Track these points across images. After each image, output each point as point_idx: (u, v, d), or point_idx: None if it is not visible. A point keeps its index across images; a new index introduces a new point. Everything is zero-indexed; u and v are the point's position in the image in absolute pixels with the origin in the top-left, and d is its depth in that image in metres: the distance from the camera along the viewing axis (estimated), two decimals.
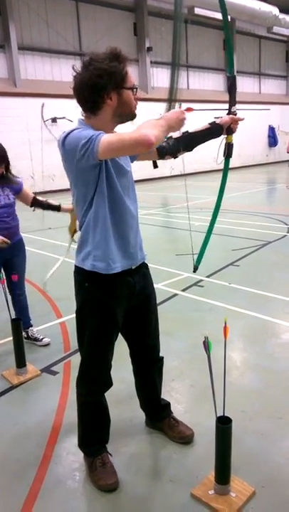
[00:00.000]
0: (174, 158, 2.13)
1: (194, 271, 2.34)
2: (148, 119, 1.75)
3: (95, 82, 1.79)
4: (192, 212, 9.16)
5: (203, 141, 2.11)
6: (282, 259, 5.65)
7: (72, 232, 3.42)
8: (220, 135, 2.11)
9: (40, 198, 3.47)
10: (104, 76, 1.78)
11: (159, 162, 2.20)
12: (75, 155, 1.74)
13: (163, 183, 16.82)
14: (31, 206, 3.47)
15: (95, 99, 1.82)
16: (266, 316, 3.91)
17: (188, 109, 1.85)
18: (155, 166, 2.23)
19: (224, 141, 2.12)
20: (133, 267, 2.04)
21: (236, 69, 21.03)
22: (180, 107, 1.85)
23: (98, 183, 1.85)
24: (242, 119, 2.10)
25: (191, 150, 2.14)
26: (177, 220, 9.04)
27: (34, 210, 3.50)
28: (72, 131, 1.79)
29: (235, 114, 2.08)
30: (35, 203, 3.44)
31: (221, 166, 2.26)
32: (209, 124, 2.08)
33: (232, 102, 2.07)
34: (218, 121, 2.09)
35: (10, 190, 3.31)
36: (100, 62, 1.79)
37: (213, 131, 2.09)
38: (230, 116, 2.09)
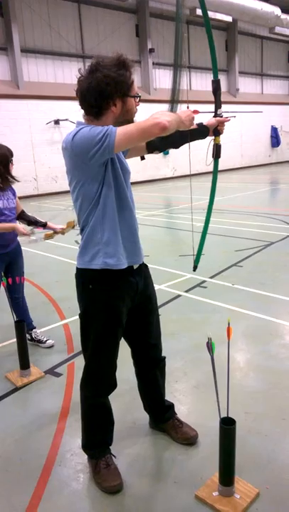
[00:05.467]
0: (161, 152, 2.25)
1: (194, 270, 2.43)
2: (160, 111, 1.81)
3: (103, 89, 1.80)
4: (194, 213, 9.16)
5: (190, 141, 2.16)
6: (285, 260, 5.64)
7: (47, 238, 3.48)
8: (206, 136, 2.19)
9: (27, 213, 3.47)
10: (111, 84, 1.80)
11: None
12: (88, 152, 1.75)
13: (165, 184, 16.83)
14: (17, 219, 3.46)
15: (100, 105, 1.84)
16: (270, 317, 3.91)
17: (195, 111, 1.94)
18: (142, 158, 2.35)
19: (212, 143, 2.21)
20: (135, 267, 2.05)
21: (238, 69, 21.21)
22: (188, 108, 1.95)
23: (105, 177, 1.87)
24: (227, 121, 2.18)
25: (178, 148, 2.21)
26: (180, 221, 9.04)
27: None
28: (79, 130, 1.80)
29: (221, 117, 2.16)
30: (22, 218, 3.44)
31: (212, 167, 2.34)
32: (197, 124, 2.14)
33: (217, 104, 2.16)
34: (204, 122, 2.16)
35: (12, 194, 3.33)
36: (108, 69, 1.81)
37: (199, 131, 2.16)
38: (216, 118, 2.17)
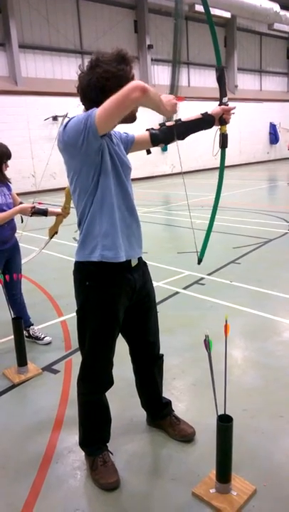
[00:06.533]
0: (166, 145, 2.20)
1: (199, 263, 2.39)
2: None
3: (104, 84, 1.79)
4: (193, 210, 9.17)
5: (196, 131, 2.14)
6: (283, 257, 5.64)
7: (52, 234, 3.44)
8: (212, 125, 2.15)
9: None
10: (112, 79, 1.79)
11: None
12: (78, 139, 1.74)
13: (163, 181, 16.80)
14: None
15: (101, 100, 1.82)
16: (267, 314, 3.91)
17: (179, 98, 1.91)
18: (148, 152, 2.31)
19: (218, 132, 2.16)
20: (134, 263, 2.04)
21: (237, 66, 21.14)
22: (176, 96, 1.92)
23: (102, 167, 1.85)
24: (233, 108, 2.14)
25: (183, 139, 2.17)
26: (178, 218, 9.04)
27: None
28: (69, 120, 1.80)
29: (227, 105, 2.12)
30: None
31: (218, 159, 2.30)
32: (201, 114, 2.12)
33: (222, 93, 2.11)
34: (209, 111, 2.13)
35: (7, 190, 3.32)
36: (108, 64, 1.80)
37: (205, 121, 2.12)
38: (222, 106, 2.13)
